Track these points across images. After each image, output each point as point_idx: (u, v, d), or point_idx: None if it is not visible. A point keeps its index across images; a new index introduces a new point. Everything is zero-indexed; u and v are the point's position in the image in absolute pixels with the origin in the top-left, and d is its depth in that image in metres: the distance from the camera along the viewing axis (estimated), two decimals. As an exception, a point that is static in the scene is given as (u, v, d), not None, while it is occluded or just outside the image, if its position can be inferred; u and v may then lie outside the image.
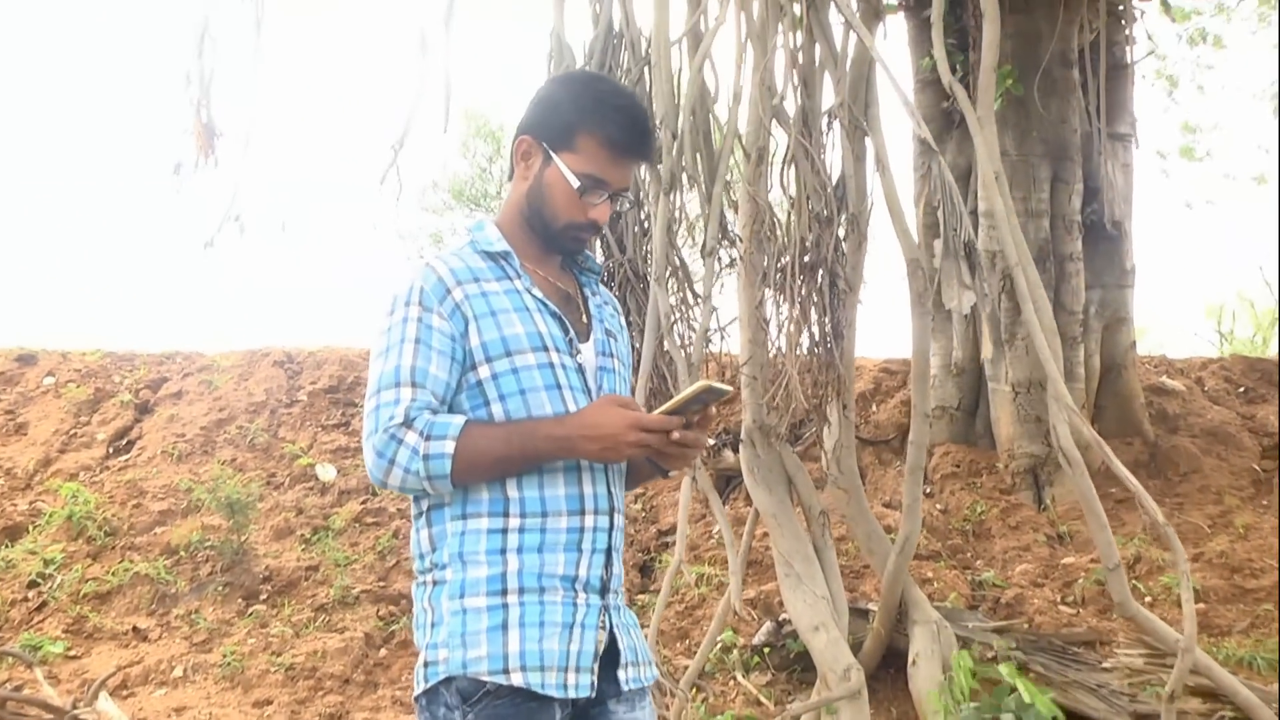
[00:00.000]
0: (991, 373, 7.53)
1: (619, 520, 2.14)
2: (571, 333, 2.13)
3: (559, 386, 2.06)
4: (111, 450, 7.72)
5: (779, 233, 4.39)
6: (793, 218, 4.45)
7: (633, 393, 2.51)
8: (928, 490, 7.47)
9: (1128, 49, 7.62)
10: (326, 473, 7.32)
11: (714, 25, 4.44)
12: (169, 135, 4.90)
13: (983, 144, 3.94)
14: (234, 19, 5.38)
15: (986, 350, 4.13)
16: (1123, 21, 7.53)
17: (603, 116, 2.11)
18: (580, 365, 2.12)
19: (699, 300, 4.54)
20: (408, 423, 1.92)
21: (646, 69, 4.93)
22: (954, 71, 7.90)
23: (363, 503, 7.01)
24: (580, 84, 2.25)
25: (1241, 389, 8.28)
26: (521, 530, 1.99)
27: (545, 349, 2.06)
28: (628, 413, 1.95)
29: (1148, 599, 5.73)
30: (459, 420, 1.95)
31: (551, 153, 2.12)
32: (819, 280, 4.34)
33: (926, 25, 7.65)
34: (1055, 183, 7.25)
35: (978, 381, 7.79)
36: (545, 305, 2.12)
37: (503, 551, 1.99)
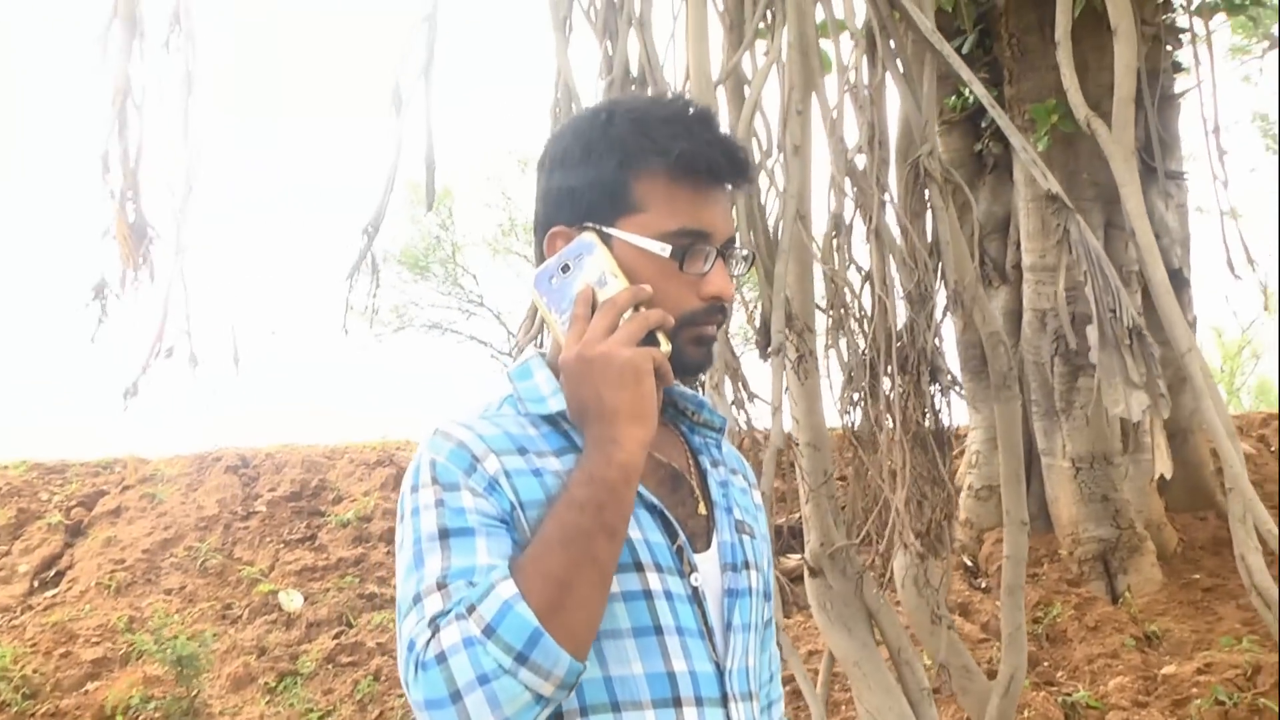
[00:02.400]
0: (1045, 446, 6.69)
1: (747, 712, 1.37)
2: (681, 537, 1.35)
3: (657, 630, 1.29)
4: (36, 584, 6.64)
5: (861, 318, 3.47)
6: (872, 298, 3.55)
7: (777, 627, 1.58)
8: (983, 585, 6.57)
9: (1175, 78, 6.84)
10: (292, 601, 6.29)
11: (765, 63, 3.55)
12: (91, 231, 3.84)
13: (1132, 194, 3.08)
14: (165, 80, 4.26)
15: (1163, 466, 3.23)
16: (1168, 48, 6.76)
17: (659, 137, 1.34)
18: (696, 590, 1.35)
19: (751, 400, 3.60)
20: (435, 626, 1.16)
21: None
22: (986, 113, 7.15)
23: (336, 636, 5.98)
24: (605, 114, 1.41)
25: (1312, 447, 7.48)
26: None
27: (637, 568, 1.30)
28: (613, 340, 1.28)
29: (1283, 721, 4.82)
30: (498, 568, 1.20)
31: (606, 229, 1.35)
32: (914, 374, 3.43)
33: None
34: (1109, 229, 6.44)
35: (1029, 457, 6.94)
36: (639, 499, 1.32)
37: None
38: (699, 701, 1.29)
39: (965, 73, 3.37)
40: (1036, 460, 6.77)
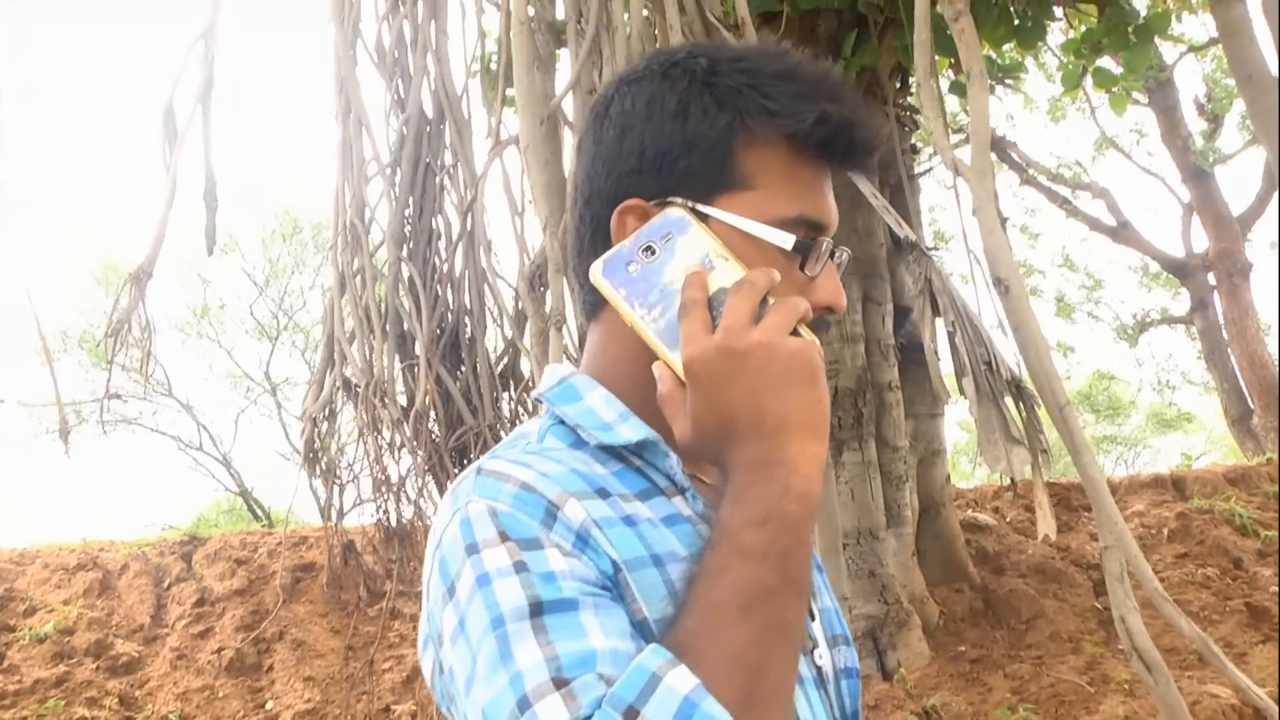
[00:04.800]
0: (809, 522, 6.61)
1: None
2: None
3: None
4: None
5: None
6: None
7: None
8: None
9: (913, 159, 7.09)
10: (-21, 735, 5.30)
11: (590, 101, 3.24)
12: None
13: (998, 243, 2.94)
14: None
15: (1046, 526, 3.09)
16: (906, 129, 7.00)
17: (781, 97, 1.04)
18: (820, 670, 1.07)
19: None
20: None
21: (458, 168, 3.68)
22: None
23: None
24: (706, 60, 1.09)
25: (1043, 517, 7.77)
26: None
27: None
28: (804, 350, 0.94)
29: (1072, 788, 4.81)
30: (650, 649, 0.84)
31: (703, 208, 1.04)
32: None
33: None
34: (866, 303, 6.52)
35: (792, 533, 6.87)
36: None
37: None
38: None
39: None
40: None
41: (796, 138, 1.03)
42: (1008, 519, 7.76)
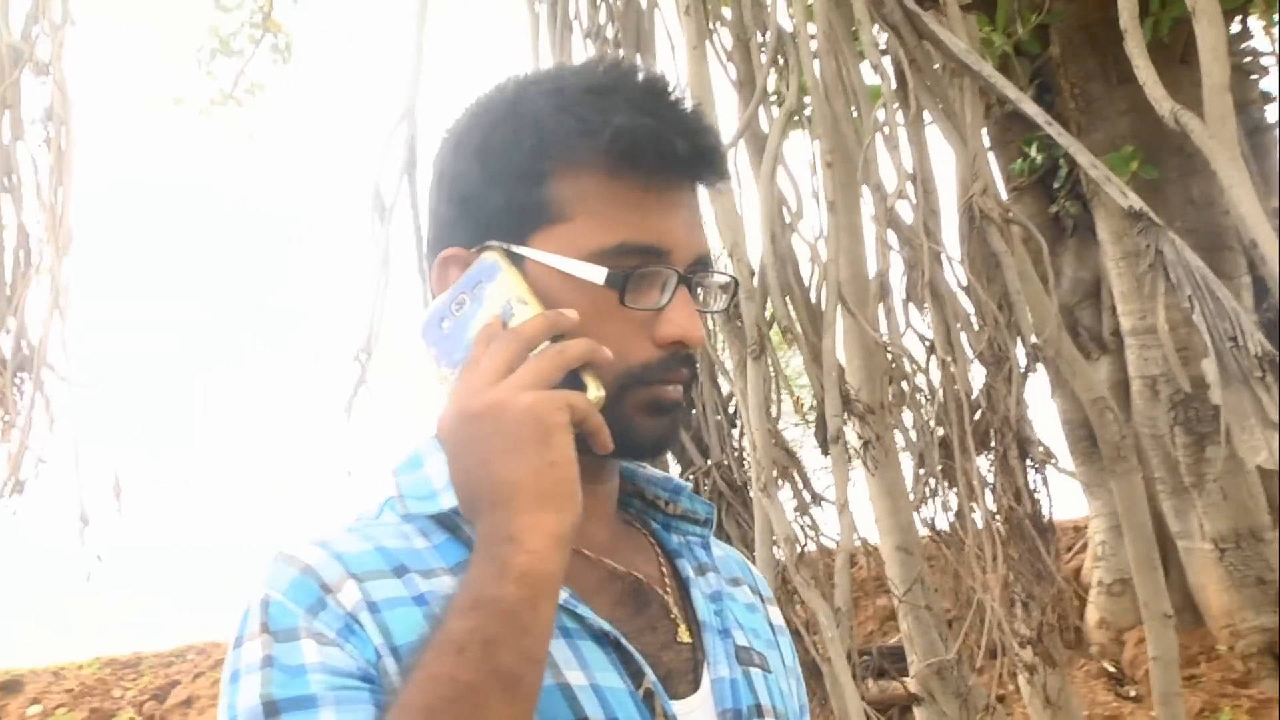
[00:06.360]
0: (1180, 528, 5.95)
1: None
2: (650, 677, 0.92)
3: None
4: (107, 788, 6.27)
5: (933, 390, 2.95)
6: (937, 364, 3.03)
7: None
8: (1132, 693, 5.79)
9: (1264, 110, 6.26)
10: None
11: (780, 117, 3.12)
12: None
13: (1244, 196, 2.52)
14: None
15: None
16: (1252, 76, 6.20)
17: (588, 113, 0.93)
18: None
19: (818, 503, 3.07)
20: None
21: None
22: (1058, 172, 6.62)
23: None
24: (513, 87, 1.01)
25: None
26: None
27: None
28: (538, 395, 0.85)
29: None
30: None
31: (515, 248, 0.95)
32: (1000, 448, 2.88)
33: (1014, 121, 6.42)
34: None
35: (1161, 541, 6.19)
36: (581, 624, 0.93)
37: None
38: None
39: (1012, 91, 2.89)
40: (1171, 545, 6.02)
41: (609, 156, 0.92)
42: None
